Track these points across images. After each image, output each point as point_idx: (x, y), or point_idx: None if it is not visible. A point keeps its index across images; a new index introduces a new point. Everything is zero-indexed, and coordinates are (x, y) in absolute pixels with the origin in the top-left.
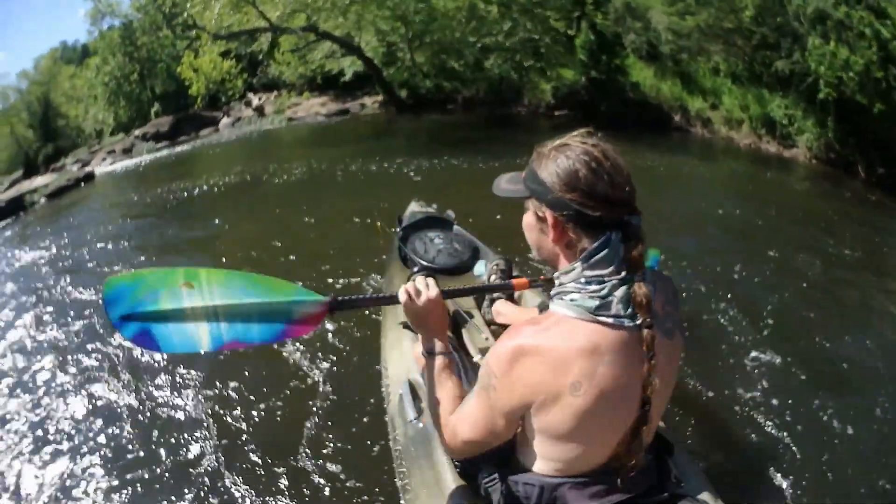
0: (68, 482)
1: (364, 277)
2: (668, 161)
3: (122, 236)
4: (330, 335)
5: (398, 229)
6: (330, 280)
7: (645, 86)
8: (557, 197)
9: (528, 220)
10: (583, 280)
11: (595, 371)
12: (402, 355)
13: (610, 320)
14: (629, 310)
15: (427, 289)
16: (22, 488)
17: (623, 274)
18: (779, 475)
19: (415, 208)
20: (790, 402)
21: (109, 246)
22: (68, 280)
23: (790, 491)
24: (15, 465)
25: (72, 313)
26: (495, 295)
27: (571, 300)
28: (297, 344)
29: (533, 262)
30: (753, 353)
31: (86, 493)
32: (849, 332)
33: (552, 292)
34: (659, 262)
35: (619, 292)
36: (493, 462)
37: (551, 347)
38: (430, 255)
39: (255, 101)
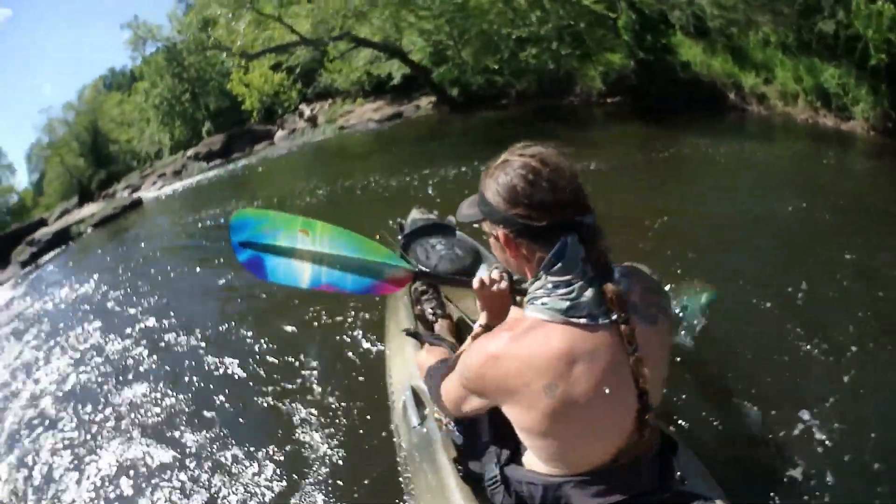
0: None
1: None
2: (725, 147)
3: (161, 266)
4: (334, 342)
5: (399, 237)
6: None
7: (695, 64)
8: (503, 215)
9: (491, 241)
10: (550, 286)
11: (571, 372)
12: (405, 362)
13: (583, 321)
14: (602, 307)
15: (500, 281)
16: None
17: (589, 274)
18: (784, 473)
19: (416, 215)
20: (798, 401)
21: (146, 277)
22: (100, 314)
23: (796, 489)
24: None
25: (97, 350)
26: None
27: (543, 304)
28: (302, 351)
29: None
30: (765, 353)
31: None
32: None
33: (525, 299)
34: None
35: (589, 292)
36: (496, 463)
37: (526, 354)
38: (431, 262)
39: (308, 112)
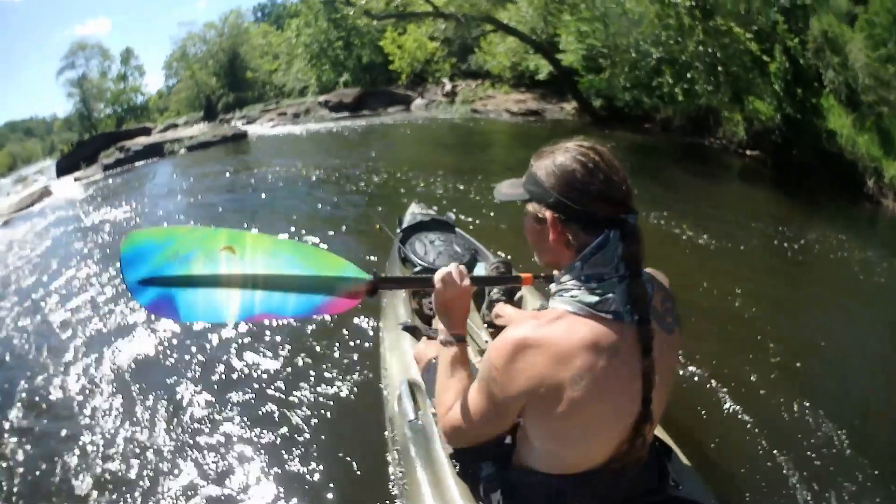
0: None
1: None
2: (857, 250)
3: (218, 202)
4: (329, 336)
5: (398, 231)
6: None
7: (841, 136)
8: (555, 196)
9: (529, 223)
10: (583, 278)
11: (596, 365)
12: (401, 356)
13: (609, 316)
14: (627, 307)
15: (461, 278)
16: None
17: (622, 272)
18: (777, 480)
19: (415, 210)
20: (793, 408)
21: (199, 213)
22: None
23: (788, 495)
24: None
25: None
26: (494, 297)
27: (572, 296)
28: (296, 346)
29: (531, 267)
30: (758, 360)
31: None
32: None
33: (553, 291)
34: None
35: (619, 290)
36: (492, 460)
37: (554, 341)
38: (429, 257)
39: (448, 87)
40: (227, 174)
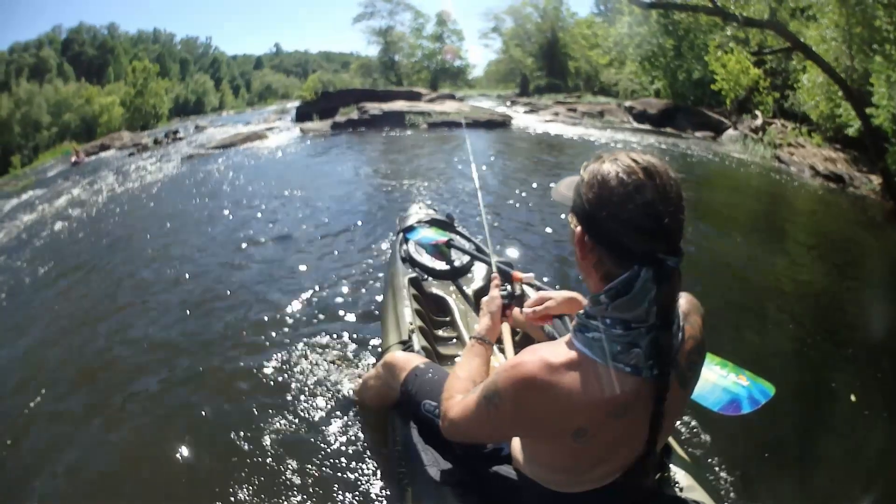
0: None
1: (369, 275)
2: None
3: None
4: (330, 336)
5: (398, 229)
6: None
7: None
8: (588, 212)
9: (571, 231)
10: (608, 321)
11: (604, 421)
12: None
13: (628, 370)
14: (650, 361)
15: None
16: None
17: (652, 321)
18: (774, 484)
19: (416, 210)
20: (791, 413)
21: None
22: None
23: (788, 495)
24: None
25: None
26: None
27: (593, 338)
28: (299, 345)
29: (529, 270)
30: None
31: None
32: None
33: (575, 322)
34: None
35: (645, 342)
36: (491, 460)
37: (564, 391)
38: (426, 257)
39: (759, 121)
40: (432, 170)
